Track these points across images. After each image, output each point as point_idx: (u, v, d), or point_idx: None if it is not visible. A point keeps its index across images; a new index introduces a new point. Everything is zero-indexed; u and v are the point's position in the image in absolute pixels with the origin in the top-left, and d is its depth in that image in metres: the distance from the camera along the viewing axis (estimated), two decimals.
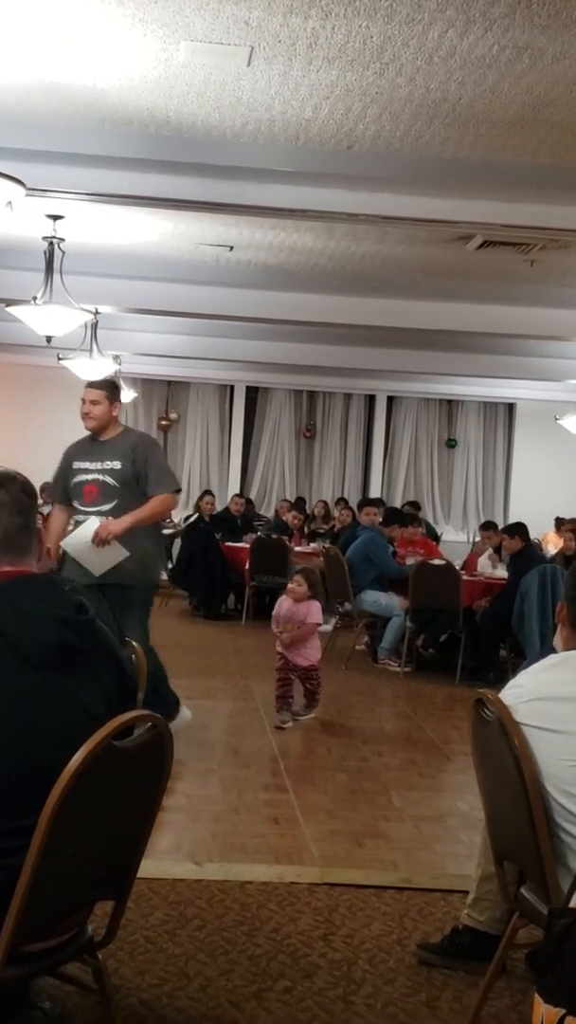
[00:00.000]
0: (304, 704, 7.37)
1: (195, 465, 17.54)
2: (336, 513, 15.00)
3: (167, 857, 4.50)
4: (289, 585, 7.42)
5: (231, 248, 8.40)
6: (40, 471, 12.10)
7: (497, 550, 10.94)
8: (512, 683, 3.15)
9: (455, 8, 4.12)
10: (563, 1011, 1.93)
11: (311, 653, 7.31)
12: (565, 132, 5.26)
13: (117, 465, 6.00)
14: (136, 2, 4.21)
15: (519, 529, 9.73)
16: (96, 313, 8.82)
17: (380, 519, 10.68)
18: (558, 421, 12.93)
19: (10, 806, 2.37)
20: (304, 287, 9.33)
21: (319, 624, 7.33)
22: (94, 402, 6.17)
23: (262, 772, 6.00)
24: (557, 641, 3.16)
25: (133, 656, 3.02)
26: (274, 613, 7.36)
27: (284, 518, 13.74)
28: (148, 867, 3.85)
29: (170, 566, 13.37)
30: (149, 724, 2.57)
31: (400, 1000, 3.43)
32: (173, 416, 17.40)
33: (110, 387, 6.30)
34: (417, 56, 4.56)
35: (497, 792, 3.11)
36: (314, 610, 7.24)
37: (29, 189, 4.65)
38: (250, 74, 4.86)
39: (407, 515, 11.94)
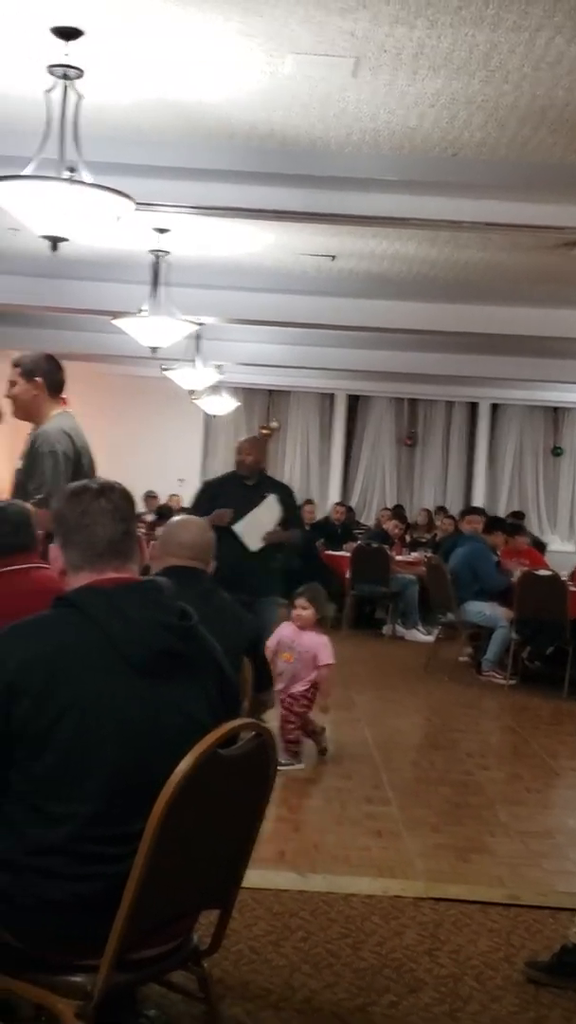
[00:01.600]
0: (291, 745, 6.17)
1: (295, 474, 17.58)
2: (438, 522, 14.89)
3: (270, 867, 4.50)
4: (295, 611, 6.44)
5: (333, 257, 8.41)
6: (144, 479, 12.29)
7: None
8: None
9: (563, 14, 4.07)
10: None
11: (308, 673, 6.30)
12: None
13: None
14: (242, 17, 4.24)
15: None
16: (200, 324, 8.90)
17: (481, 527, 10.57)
18: None
19: (117, 813, 2.39)
20: (406, 295, 9.30)
21: (331, 665, 6.40)
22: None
23: (364, 784, 5.97)
24: None
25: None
26: (269, 643, 6.06)
27: (385, 527, 13.69)
28: (251, 877, 3.83)
29: None
30: (254, 732, 2.58)
31: (508, 1018, 3.38)
32: (274, 425, 17.48)
33: None
34: (524, 63, 4.52)
35: None
36: (323, 649, 6.34)
37: (137, 204, 4.70)
38: (355, 85, 4.86)
39: (511, 524, 11.80)
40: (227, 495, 7.02)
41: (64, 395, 5.01)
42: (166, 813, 2.32)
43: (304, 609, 6.40)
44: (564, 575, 10.01)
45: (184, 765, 2.34)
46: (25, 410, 4.89)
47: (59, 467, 4.69)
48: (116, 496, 2.68)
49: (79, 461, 4.80)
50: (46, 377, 4.87)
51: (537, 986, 3.58)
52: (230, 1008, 3.27)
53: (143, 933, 2.43)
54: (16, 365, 4.86)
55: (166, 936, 2.57)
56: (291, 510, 7.25)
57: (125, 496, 2.72)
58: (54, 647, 2.45)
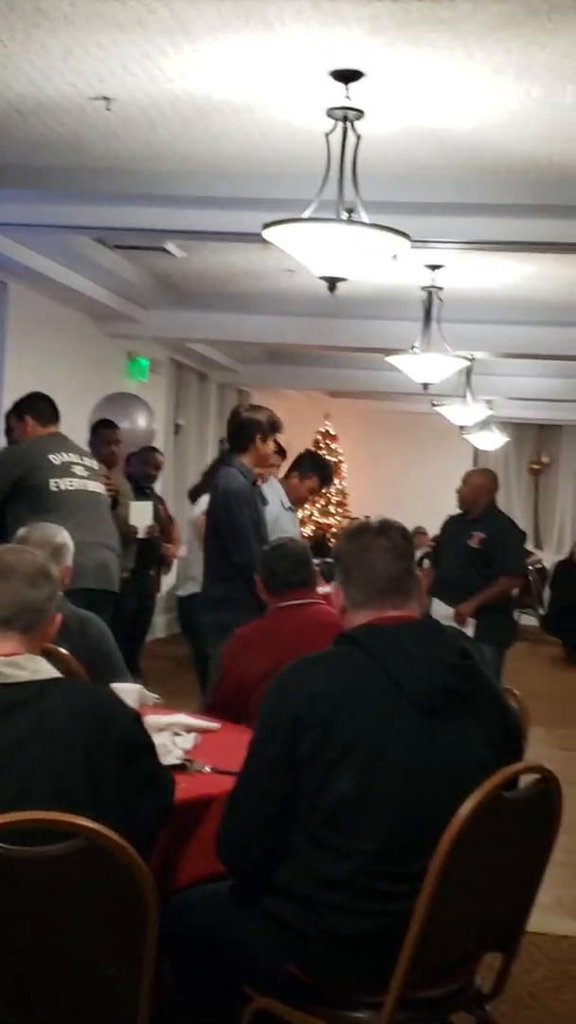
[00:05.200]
0: None
1: (567, 508, 17.21)
2: None
3: (548, 912, 4.38)
4: None
5: None
6: (417, 514, 12.30)
7: None
8: None
9: None
10: None
11: None
12: None
13: None
14: (522, 52, 4.20)
15: None
16: (471, 359, 8.88)
17: None
18: None
19: (402, 850, 2.40)
20: None
21: None
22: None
23: None
24: None
25: (515, 704, 2.98)
26: None
27: None
28: (530, 921, 3.77)
29: (541, 612, 13.16)
30: (539, 776, 2.53)
31: None
32: (545, 460, 17.18)
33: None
34: None
35: None
36: None
37: (413, 241, 4.74)
38: None
39: None
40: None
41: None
42: (450, 852, 2.31)
43: None
44: None
45: (468, 806, 2.32)
46: None
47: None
48: (396, 535, 2.70)
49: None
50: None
51: None
52: None
53: (427, 972, 2.41)
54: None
55: (450, 977, 2.55)
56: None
57: (404, 535, 2.74)
58: (339, 683, 2.48)
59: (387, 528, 2.73)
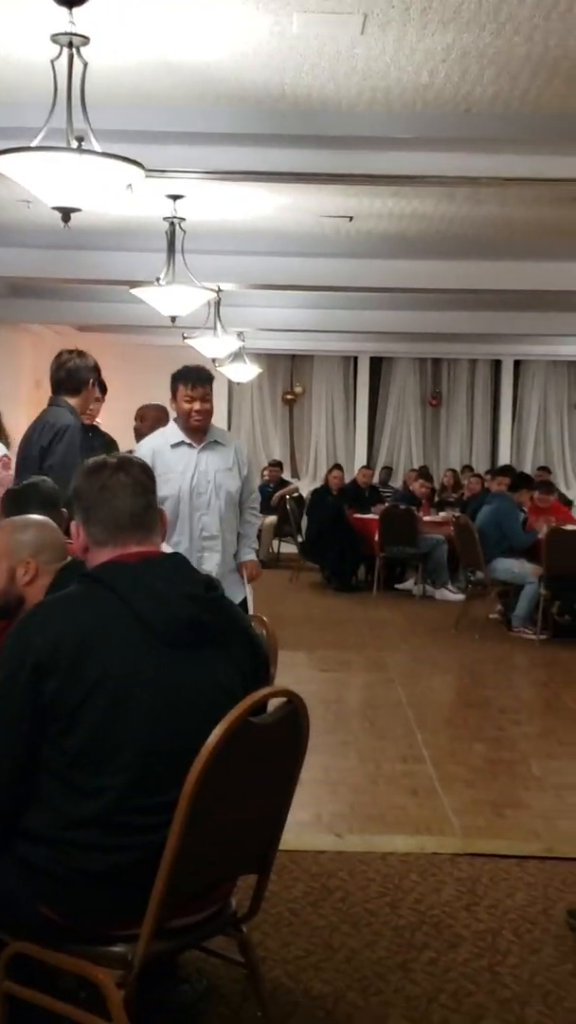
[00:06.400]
0: None
1: (321, 438, 17.57)
2: (465, 481, 14.85)
3: (308, 829, 4.54)
4: None
5: (351, 218, 8.34)
6: None
7: None
8: None
9: None
10: None
11: None
12: None
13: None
14: None
15: None
16: (219, 291, 8.86)
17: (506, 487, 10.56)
18: None
19: (151, 784, 2.42)
20: (426, 254, 9.22)
21: None
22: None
23: (399, 743, 6.00)
24: None
25: (264, 631, 3.04)
26: None
27: (412, 488, 13.67)
28: (289, 839, 3.86)
29: (300, 540, 13.44)
30: (285, 700, 2.59)
31: (547, 970, 3.40)
32: (298, 390, 17.45)
33: None
34: (534, 13, 4.44)
35: None
36: None
37: (148, 171, 4.66)
38: (364, 42, 4.80)
39: (541, 483, 11.76)
40: None
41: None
42: (199, 782, 2.34)
43: None
44: None
45: (216, 735, 2.36)
46: None
47: None
48: (136, 470, 2.69)
49: None
50: None
51: None
52: (271, 971, 3.31)
53: (181, 901, 2.45)
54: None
55: (204, 903, 2.60)
56: None
57: (144, 469, 2.73)
58: (83, 623, 2.46)
59: (126, 464, 2.71)
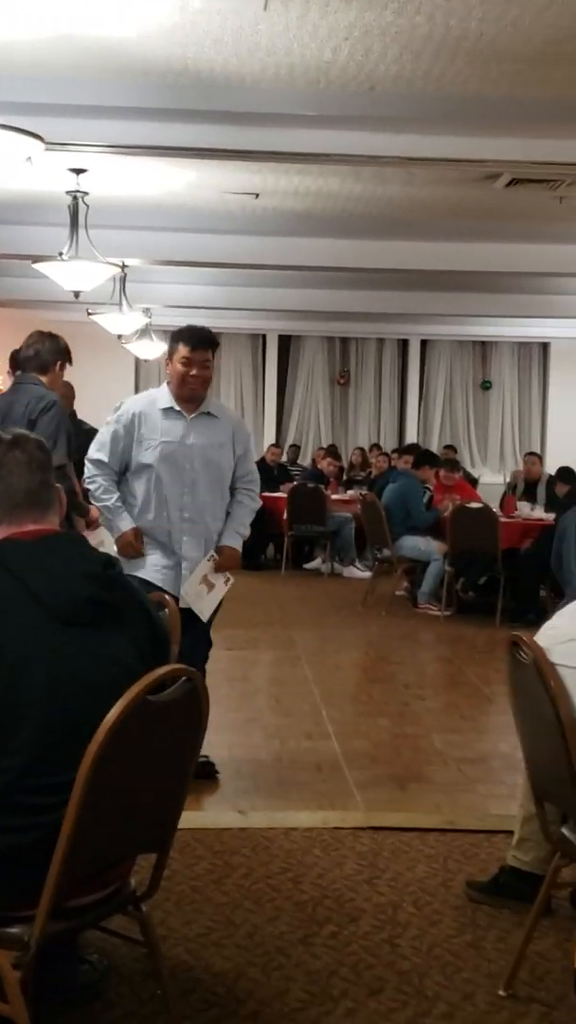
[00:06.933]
0: None
1: None
2: (373, 460, 14.95)
3: (211, 807, 4.55)
4: None
5: (256, 196, 8.31)
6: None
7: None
8: (548, 624, 3.15)
9: None
10: None
11: None
12: None
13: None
14: None
15: (568, 476, 9.63)
16: (123, 267, 8.77)
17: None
18: None
19: (50, 763, 2.40)
20: (332, 232, 9.24)
21: None
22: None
23: (304, 720, 6.04)
24: None
25: (166, 610, 3.04)
26: None
27: (320, 466, 13.72)
28: (192, 817, 3.90)
29: None
30: (184, 678, 2.59)
31: (445, 941, 3.46)
32: None
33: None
34: None
35: (534, 734, 3.11)
36: None
37: (49, 144, 4.60)
38: (267, 18, 4.78)
39: (446, 460, 11.88)
40: None
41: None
42: (97, 761, 2.33)
43: None
44: (494, 507, 10.13)
45: (113, 713, 2.35)
46: None
47: None
48: (31, 447, 2.67)
49: None
50: None
51: (474, 909, 3.67)
52: (172, 949, 3.31)
53: (79, 881, 2.44)
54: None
55: (103, 882, 2.59)
56: None
57: (40, 447, 2.70)
58: None
59: (22, 441, 2.68)
